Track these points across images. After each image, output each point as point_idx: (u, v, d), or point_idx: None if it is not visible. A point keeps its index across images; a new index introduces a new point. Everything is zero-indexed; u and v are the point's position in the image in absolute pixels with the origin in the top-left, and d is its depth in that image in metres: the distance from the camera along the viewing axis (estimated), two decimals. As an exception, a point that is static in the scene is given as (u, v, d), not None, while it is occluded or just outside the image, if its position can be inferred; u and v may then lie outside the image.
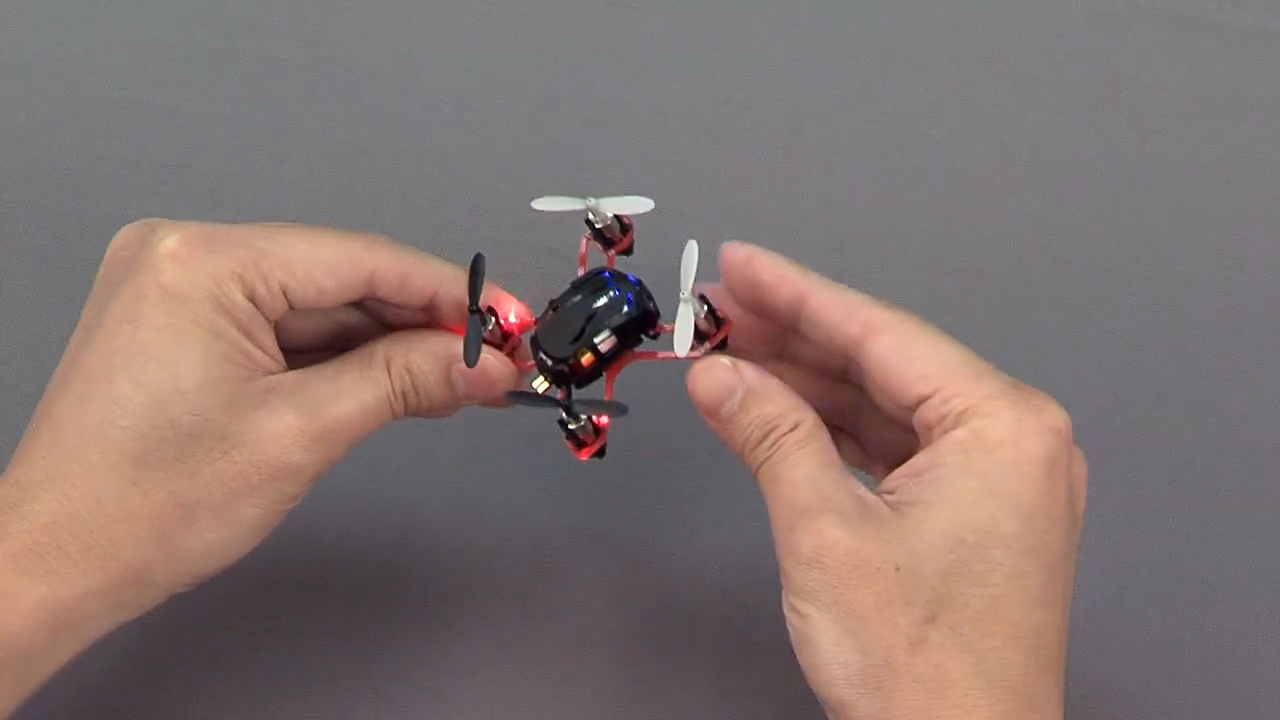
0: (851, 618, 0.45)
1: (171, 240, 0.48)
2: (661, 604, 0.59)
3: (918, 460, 0.47)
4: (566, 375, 0.50)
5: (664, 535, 0.61)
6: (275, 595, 0.59)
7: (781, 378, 0.49)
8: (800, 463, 0.47)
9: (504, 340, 0.52)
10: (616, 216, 0.51)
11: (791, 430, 0.48)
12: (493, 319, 0.51)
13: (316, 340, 0.53)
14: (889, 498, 0.47)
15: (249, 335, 0.48)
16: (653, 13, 0.77)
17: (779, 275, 0.49)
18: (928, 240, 0.70)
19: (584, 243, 0.52)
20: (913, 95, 0.74)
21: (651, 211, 0.49)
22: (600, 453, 0.51)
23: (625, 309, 0.49)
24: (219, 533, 0.48)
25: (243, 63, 0.74)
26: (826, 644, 0.45)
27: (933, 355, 0.47)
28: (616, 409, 0.49)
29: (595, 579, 0.60)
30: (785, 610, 0.46)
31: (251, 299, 0.49)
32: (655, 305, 0.50)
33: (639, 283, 0.50)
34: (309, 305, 0.50)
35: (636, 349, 0.50)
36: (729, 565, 0.60)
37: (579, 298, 0.50)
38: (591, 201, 0.49)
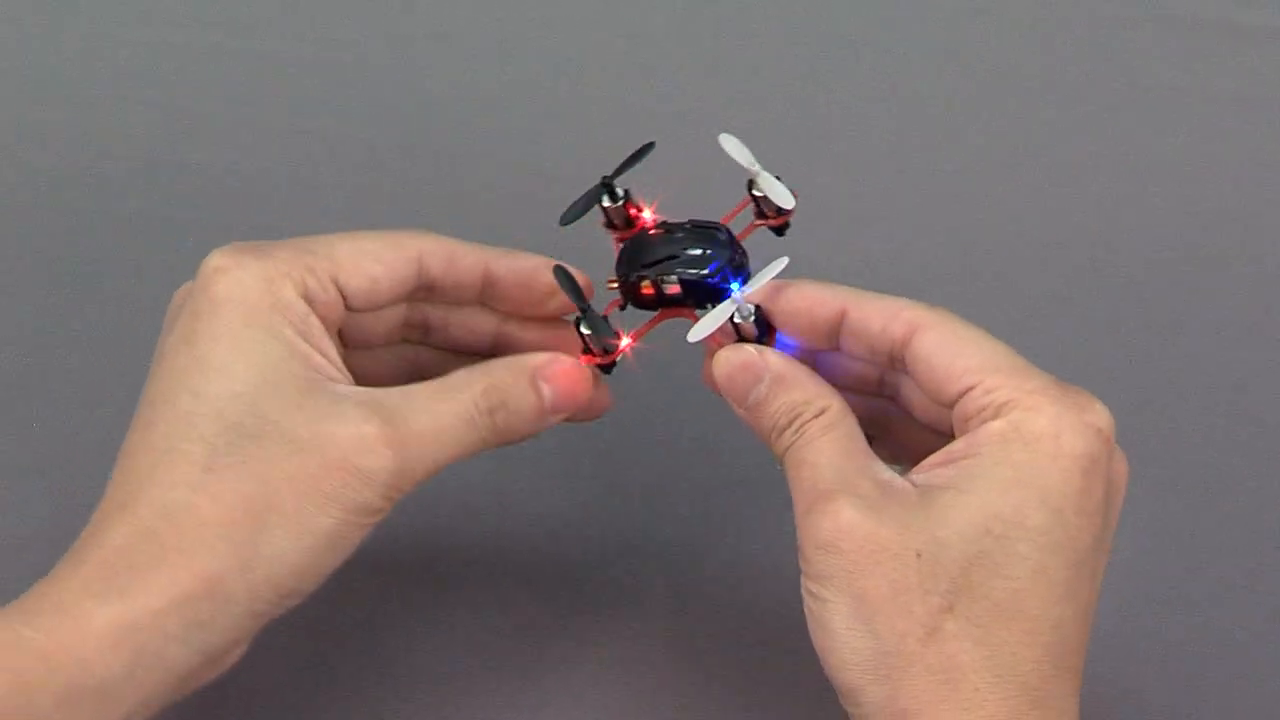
0: (866, 603, 0.44)
1: (216, 257, 0.48)
2: (682, 607, 0.59)
3: (954, 446, 0.47)
4: (627, 291, 0.50)
5: (692, 539, 0.61)
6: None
7: None
8: (824, 448, 0.47)
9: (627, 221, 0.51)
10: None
11: (816, 416, 0.48)
12: (624, 199, 0.51)
13: (388, 378, 0.52)
14: (918, 478, 0.46)
15: (306, 337, 0.48)
16: (665, 15, 0.77)
17: (811, 298, 0.50)
18: (944, 242, 0.70)
19: (743, 203, 0.51)
20: (927, 98, 0.75)
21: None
22: (607, 369, 0.51)
23: (705, 270, 0.49)
24: (293, 541, 0.46)
25: (257, 63, 0.74)
26: (840, 629, 0.45)
27: (977, 351, 0.47)
28: (607, 342, 0.49)
29: (620, 583, 0.60)
30: (803, 593, 0.46)
31: (305, 296, 0.48)
32: (739, 289, 0.49)
33: (739, 260, 0.50)
34: (365, 300, 0.50)
35: (695, 310, 0.50)
36: (761, 568, 0.60)
37: (683, 234, 0.50)
38: (756, 168, 0.50)
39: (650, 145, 0.50)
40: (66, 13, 0.76)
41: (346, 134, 0.72)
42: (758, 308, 0.49)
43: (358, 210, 0.70)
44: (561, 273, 0.50)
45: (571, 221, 0.50)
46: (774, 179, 0.50)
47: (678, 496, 0.62)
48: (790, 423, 0.48)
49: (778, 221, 0.51)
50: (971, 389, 0.47)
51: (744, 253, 0.50)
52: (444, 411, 0.48)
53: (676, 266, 0.49)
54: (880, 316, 0.49)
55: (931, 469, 0.47)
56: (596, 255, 0.53)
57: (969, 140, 0.73)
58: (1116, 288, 0.69)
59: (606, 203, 0.50)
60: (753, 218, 0.52)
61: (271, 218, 0.70)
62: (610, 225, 0.51)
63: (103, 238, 0.69)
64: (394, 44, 0.76)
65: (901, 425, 0.52)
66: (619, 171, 0.50)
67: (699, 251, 0.49)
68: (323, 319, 0.49)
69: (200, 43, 0.75)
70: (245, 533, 0.46)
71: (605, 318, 0.50)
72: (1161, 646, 0.59)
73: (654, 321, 0.51)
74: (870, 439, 0.52)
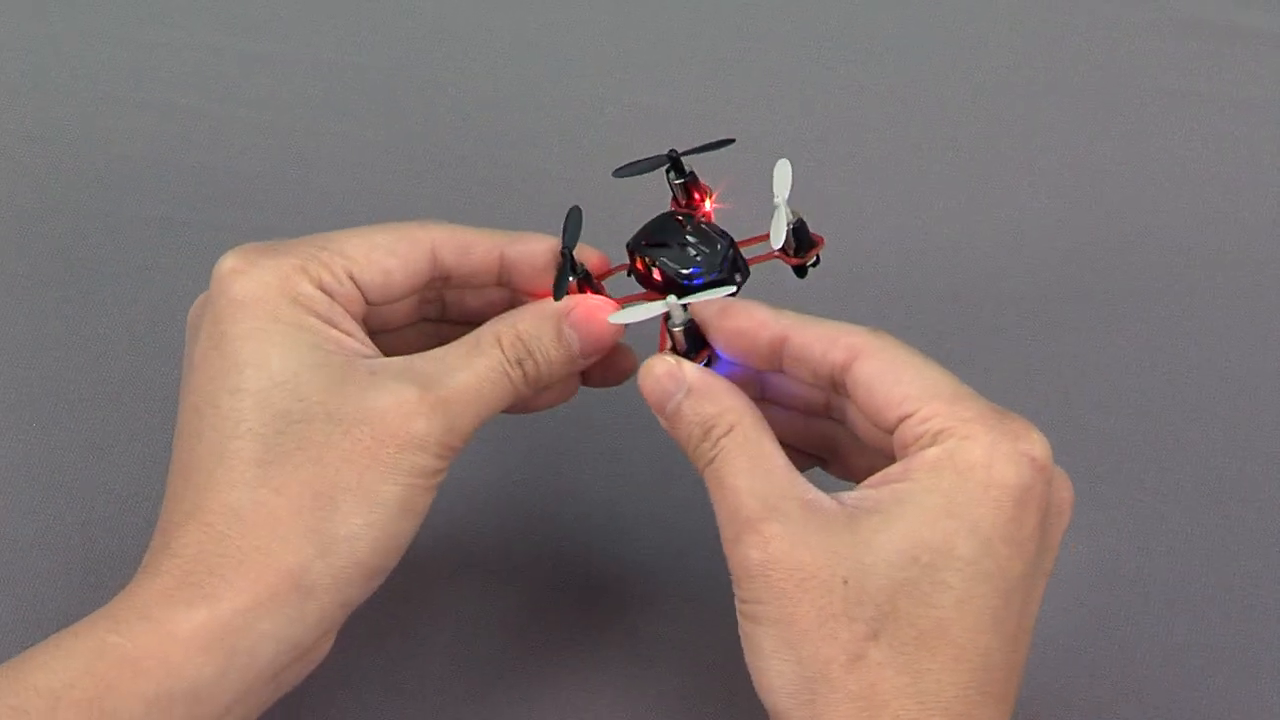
0: (793, 629, 0.45)
1: (229, 260, 0.49)
2: (678, 607, 0.60)
3: (890, 470, 0.47)
4: (630, 260, 0.51)
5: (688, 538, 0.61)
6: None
7: (765, 416, 0.49)
8: (742, 468, 0.47)
9: (595, 290, 0.52)
10: (801, 234, 0.51)
11: (728, 432, 0.47)
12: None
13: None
14: (849, 497, 0.46)
15: (332, 323, 0.48)
16: (678, 20, 0.77)
17: (755, 319, 0.50)
18: (952, 245, 0.70)
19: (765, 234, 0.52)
20: (935, 104, 0.74)
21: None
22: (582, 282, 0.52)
23: (684, 270, 0.50)
24: (364, 516, 0.46)
25: (269, 65, 0.74)
26: (768, 652, 0.45)
27: (916, 378, 0.47)
28: (559, 287, 0.50)
29: (614, 574, 0.60)
30: (737, 614, 0.46)
31: (321, 289, 0.49)
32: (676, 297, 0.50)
33: (725, 274, 0.50)
34: (381, 292, 0.50)
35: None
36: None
37: (693, 231, 0.50)
38: (778, 201, 0.50)
39: (730, 140, 0.51)
40: (67, 14, 0.76)
41: (350, 135, 0.72)
42: (691, 322, 0.50)
43: (361, 212, 0.70)
44: (575, 212, 0.51)
45: (625, 175, 0.51)
46: (784, 220, 0.50)
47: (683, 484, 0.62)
48: (704, 435, 0.48)
49: (795, 261, 0.51)
50: (909, 416, 0.47)
51: (740, 270, 0.50)
52: (478, 367, 0.49)
53: (665, 255, 0.50)
54: (821, 342, 0.49)
55: (864, 490, 0.47)
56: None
57: (969, 143, 0.73)
58: (1118, 289, 0.69)
59: (674, 179, 0.51)
60: (779, 251, 0.52)
61: (274, 219, 0.70)
62: (676, 203, 0.52)
63: (125, 237, 0.69)
64: (397, 45, 0.76)
65: (849, 448, 0.52)
66: (690, 151, 0.51)
67: (692, 251, 0.50)
68: (344, 309, 0.49)
69: (201, 44, 0.75)
70: (317, 518, 0.46)
71: (589, 275, 0.52)
72: (1161, 649, 0.59)
73: (635, 297, 0.51)
74: (821, 461, 0.53)
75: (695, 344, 0.50)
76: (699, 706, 0.57)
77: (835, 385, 0.49)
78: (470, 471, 0.60)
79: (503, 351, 0.49)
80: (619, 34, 0.77)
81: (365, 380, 0.47)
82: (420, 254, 0.51)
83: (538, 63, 0.75)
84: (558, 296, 0.50)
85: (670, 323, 0.49)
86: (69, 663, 0.44)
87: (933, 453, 0.46)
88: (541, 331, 0.50)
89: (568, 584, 0.60)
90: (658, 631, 0.58)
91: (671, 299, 0.49)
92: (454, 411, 0.48)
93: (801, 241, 0.51)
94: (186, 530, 0.46)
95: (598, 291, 0.52)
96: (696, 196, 0.52)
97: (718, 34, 0.77)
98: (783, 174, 0.50)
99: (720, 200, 0.52)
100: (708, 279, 0.50)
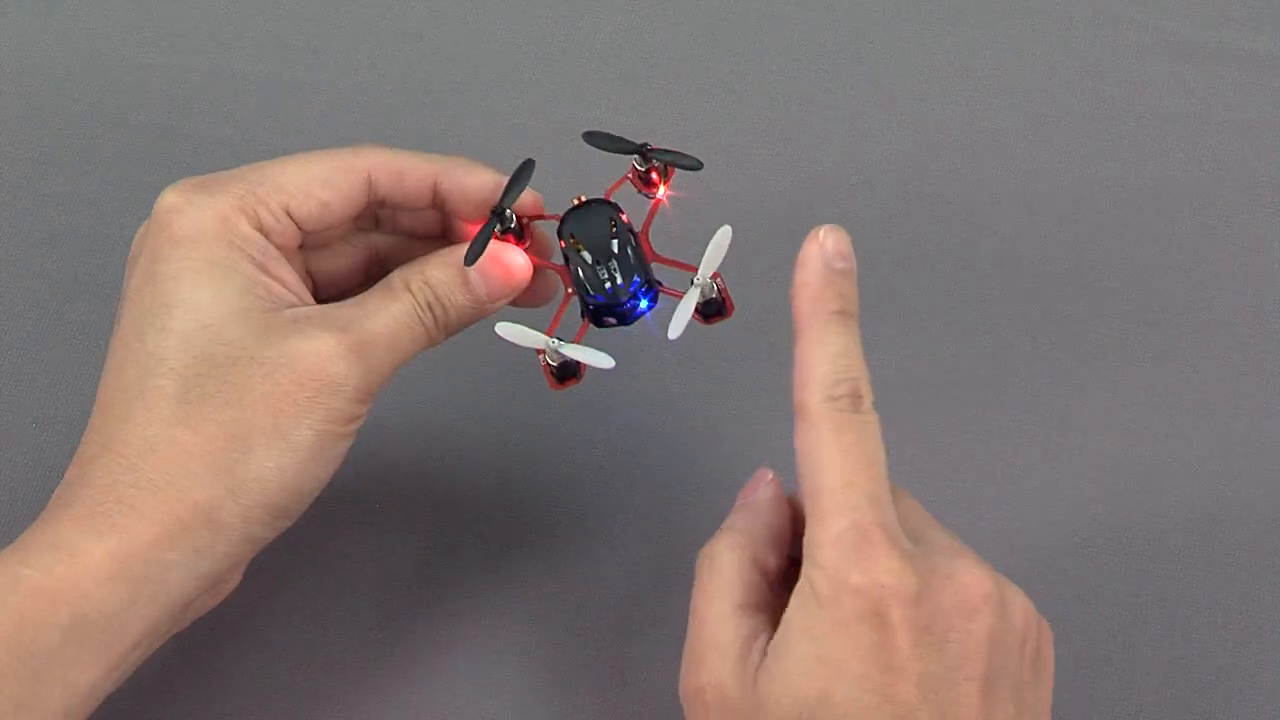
0: None
1: (168, 196, 0.50)
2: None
3: (788, 611, 0.47)
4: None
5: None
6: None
7: None
8: (713, 597, 0.48)
9: (521, 237, 0.53)
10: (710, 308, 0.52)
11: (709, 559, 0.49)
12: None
13: (354, 276, 0.54)
14: (770, 642, 0.47)
15: (265, 269, 0.49)
16: (673, 38, 0.77)
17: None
18: (947, 266, 0.70)
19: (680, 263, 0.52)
20: (929, 127, 0.74)
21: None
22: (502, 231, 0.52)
23: (592, 292, 0.51)
24: (276, 459, 0.47)
25: (266, 87, 0.74)
26: None
27: (829, 464, 0.47)
28: (473, 249, 0.50)
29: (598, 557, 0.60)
30: None
31: (259, 229, 0.49)
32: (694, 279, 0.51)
33: (621, 299, 0.51)
34: (317, 223, 0.51)
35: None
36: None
37: (620, 248, 0.51)
38: (700, 279, 0.50)
39: (698, 165, 0.51)
40: (64, 37, 0.76)
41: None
42: (565, 361, 0.51)
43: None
44: (527, 166, 0.51)
45: (594, 144, 0.52)
46: (693, 303, 0.50)
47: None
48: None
49: (699, 319, 0.52)
50: (808, 518, 0.47)
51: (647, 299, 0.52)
52: (393, 311, 0.50)
53: (582, 265, 0.51)
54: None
55: (780, 626, 0.47)
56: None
57: (965, 166, 0.73)
58: (1114, 310, 0.69)
59: (638, 164, 0.52)
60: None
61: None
62: (635, 178, 0.53)
63: (116, 260, 0.68)
64: (393, 68, 0.76)
65: None
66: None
67: (605, 276, 0.51)
68: (280, 247, 0.50)
69: (199, 66, 0.75)
70: (230, 458, 0.47)
71: (518, 224, 0.52)
72: (1160, 671, 0.59)
73: (550, 265, 0.53)
74: None
75: (564, 375, 0.52)
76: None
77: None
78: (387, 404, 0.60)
79: (413, 295, 0.51)
80: (609, 58, 0.77)
81: (287, 327, 0.48)
82: (356, 183, 0.52)
83: (531, 85, 0.75)
84: (469, 260, 0.50)
85: (546, 357, 0.51)
86: None
87: (802, 583, 0.46)
88: (448, 278, 0.51)
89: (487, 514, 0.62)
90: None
91: (551, 342, 0.50)
92: (371, 355, 0.49)
93: (709, 312, 0.52)
94: (100, 463, 0.47)
95: (521, 238, 0.52)
96: (654, 178, 0.52)
97: (716, 54, 0.77)
98: (719, 244, 0.50)
99: (675, 188, 0.53)
100: (609, 307, 0.51)
